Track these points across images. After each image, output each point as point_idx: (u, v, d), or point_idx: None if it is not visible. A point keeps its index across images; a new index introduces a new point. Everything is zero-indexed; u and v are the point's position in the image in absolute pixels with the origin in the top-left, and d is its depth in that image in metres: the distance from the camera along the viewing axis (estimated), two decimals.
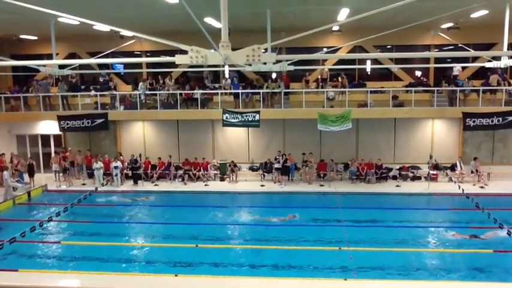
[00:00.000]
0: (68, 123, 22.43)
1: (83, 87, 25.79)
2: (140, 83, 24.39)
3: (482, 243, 14.33)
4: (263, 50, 7.65)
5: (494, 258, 13.12)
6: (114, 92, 24.42)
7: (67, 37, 22.94)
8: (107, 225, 16.68)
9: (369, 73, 25.45)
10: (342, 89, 23.41)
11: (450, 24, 21.48)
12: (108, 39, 21.94)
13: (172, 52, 8.82)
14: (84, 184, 22.68)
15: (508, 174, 21.37)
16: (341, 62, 24.03)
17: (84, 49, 25.34)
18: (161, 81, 25.01)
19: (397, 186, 21.65)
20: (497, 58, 16.13)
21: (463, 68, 24.12)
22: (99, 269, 12.28)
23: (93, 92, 24.47)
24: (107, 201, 20.37)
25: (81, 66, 22.97)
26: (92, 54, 22.14)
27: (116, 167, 22.13)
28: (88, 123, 22.36)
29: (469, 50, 18.63)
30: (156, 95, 23.90)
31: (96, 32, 20.43)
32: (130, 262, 13.50)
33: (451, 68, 23.98)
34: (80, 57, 25.40)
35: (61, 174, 22.94)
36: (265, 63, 14.71)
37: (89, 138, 24.77)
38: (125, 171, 22.88)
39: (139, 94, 23.94)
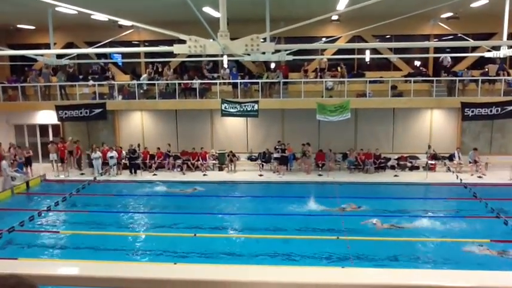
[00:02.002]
0: (66, 113, 22.37)
1: (81, 76, 25.68)
2: (144, 75, 24.30)
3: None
4: (262, 40, 7.62)
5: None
6: (113, 82, 24.32)
7: (65, 26, 22.81)
8: (106, 215, 16.73)
9: (367, 63, 25.36)
10: (341, 79, 23.34)
11: (450, 14, 21.39)
12: (106, 28, 21.81)
13: (171, 42, 8.79)
14: (82, 174, 22.70)
15: (506, 164, 21.40)
16: (340, 51, 23.88)
17: (82, 39, 25.19)
18: (160, 70, 24.86)
19: (395, 176, 21.71)
20: (497, 48, 16.10)
21: (461, 58, 24.00)
22: (98, 258, 12.35)
23: (91, 82, 24.38)
24: (105, 190, 20.40)
25: (79, 56, 22.81)
26: (90, 44, 22.01)
27: (111, 157, 22.14)
28: (86, 113, 22.30)
29: (468, 40, 18.58)
30: (154, 84, 23.82)
31: (94, 21, 20.30)
32: (128, 251, 13.57)
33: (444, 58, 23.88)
34: (77, 47, 25.25)
35: (59, 164, 22.94)
36: (263, 53, 14.63)
37: (87, 128, 24.74)
38: (123, 161, 22.87)
39: (142, 85, 23.86)
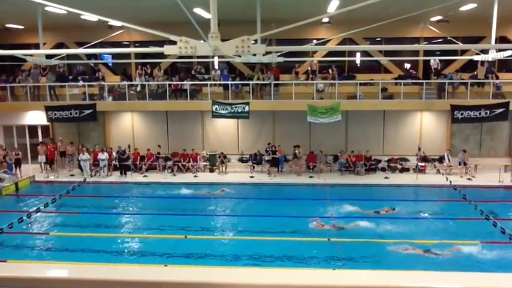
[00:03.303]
0: (55, 114, 22.23)
1: (70, 77, 25.50)
2: (137, 78, 24.20)
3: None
4: (253, 41, 7.63)
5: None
6: (103, 83, 24.18)
7: (55, 26, 22.64)
8: (95, 216, 16.61)
9: (358, 65, 25.48)
10: (332, 81, 23.42)
11: (439, 17, 21.57)
12: (96, 29, 21.71)
13: (161, 43, 8.75)
14: (72, 175, 22.54)
15: (495, 166, 21.62)
16: (331, 54, 24.00)
17: (72, 39, 25.03)
18: (149, 71, 24.74)
19: (386, 178, 21.81)
20: (486, 51, 16.25)
21: (451, 61, 24.21)
22: (88, 260, 12.26)
23: (81, 83, 24.22)
24: (95, 192, 20.28)
25: (69, 57, 22.68)
26: (80, 44, 21.87)
27: (102, 159, 22.01)
28: (76, 113, 22.17)
29: (457, 43, 18.73)
30: (145, 86, 23.71)
31: (84, 21, 20.19)
32: (119, 253, 13.48)
33: (431, 61, 24.08)
34: (67, 47, 25.08)
35: (48, 165, 22.76)
36: (254, 55, 14.65)
37: (77, 129, 24.57)
38: (113, 162, 22.74)
39: (137, 86, 23.74)
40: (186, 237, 14.33)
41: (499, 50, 15.53)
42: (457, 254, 12.91)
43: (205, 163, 23.36)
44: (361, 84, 23.14)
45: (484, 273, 2.06)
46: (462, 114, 20.96)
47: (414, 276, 2.16)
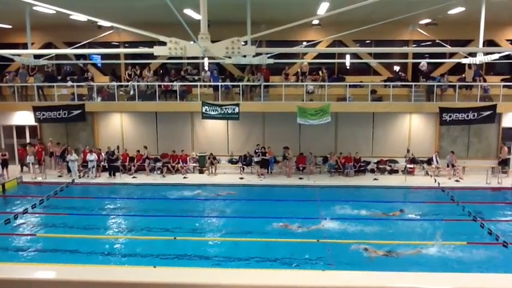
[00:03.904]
0: (44, 114, 22.05)
1: (59, 77, 25.30)
2: (131, 83, 24.05)
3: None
4: (243, 43, 7.63)
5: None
6: (92, 83, 24.02)
7: (43, 26, 22.47)
8: (84, 218, 16.49)
9: (348, 67, 25.60)
10: (321, 83, 23.50)
11: (428, 20, 21.75)
12: (85, 29, 21.56)
13: (151, 43, 8.73)
14: (60, 176, 22.35)
15: (482, 168, 21.84)
16: (320, 56, 24.09)
17: (61, 39, 24.84)
18: (138, 72, 24.61)
19: (375, 179, 21.92)
20: (473, 54, 16.43)
21: (439, 64, 24.41)
22: (75, 262, 12.17)
23: (70, 83, 24.03)
24: (83, 193, 20.15)
25: (57, 57, 22.52)
26: (69, 44, 21.73)
27: (91, 160, 21.85)
28: (65, 114, 22.01)
29: (446, 46, 18.91)
30: (134, 86, 23.61)
31: (73, 21, 20.04)
32: (107, 254, 13.41)
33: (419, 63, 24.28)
34: (56, 47, 24.89)
35: (36, 166, 22.56)
36: (244, 56, 14.66)
37: (66, 129, 24.38)
38: (102, 163, 22.59)
39: (129, 88, 23.60)
40: (175, 238, 14.29)
41: (487, 53, 15.73)
42: (423, 255, 13.07)
43: (194, 164, 23.31)
44: (350, 86, 23.25)
45: (472, 273, 2.08)
46: (450, 116, 21.14)
47: (403, 277, 2.17)
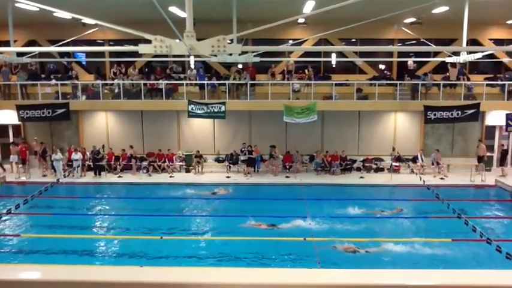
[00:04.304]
0: (27, 113, 21.75)
1: (43, 75, 24.99)
2: (116, 81, 23.82)
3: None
4: (229, 41, 7.60)
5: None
6: (76, 82, 23.76)
7: (26, 24, 22.16)
8: (69, 217, 16.32)
9: (334, 66, 25.69)
10: (308, 82, 23.56)
11: (413, 19, 21.92)
12: (69, 26, 21.31)
13: (136, 41, 8.65)
14: (44, 176, 22.09)
15: (466, 166, 22.10)
16: (307, 54, 24.14)
17: (45, 36, 24.52)
18: (123, 70, 24.38)
19: (361, 177, 22.05)
20: (457, 53, 16.61)
21: (423, 62, 24.63)
22: (61, 262, 12.04)
23: (53, 81, 23.74)
24: (68, 193, 19.95)
25: (41, 55, 22.22)
26: (53, 42, 21.46)
27: (76, 160, 21.62)
28: (49, 113, 21.73)
29: (430, 45, 19.07)
30: (119, 84, 23.40)
31: (57, 19, 19.82)
32: (93, 254, 13.29)
33: (407, 62, 24.51)
34: (39, 45, 24.58)
35: (20, 166, 22.26)
36: (230, 54, 14.62)
37: (50, 128, 24.10)
38: (87, 162, 22.37)
39: (115, 86, 23.38)
40: (161, 238, 14.21)
41: (470, 52, 15.91)
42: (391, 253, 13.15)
43: (181, 163, 23.21)
44: (336, 84, 23.35)
45: (458, 270, 2.09)
46: (435, 114, 21.34)
47: (389, 274, 2.18)
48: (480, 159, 22.18)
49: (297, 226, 15.28)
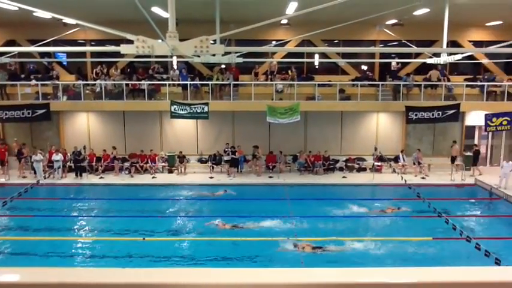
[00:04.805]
0: (6, 114, 21.37)
1: (22, 76, 24.59)
2: (98, 81, 23.52)
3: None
4: (212, 42, 7.59)
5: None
6: (57, 82, 23.43)
7: (5, 23, 21.85)
8: (49, 219, 16.10)
9: (316, 67, 25.84)
10: (291, 82, 23.64)
11: (394, 21, 22.15)
12: (50, 26, 21.03)
13: (118, 41, 8.58)
14: (24, 177, 21.74)
15: (447, 166, 22.41)
16: (290, 55, 24.22)
17: (24, 36, 24.13)
18: (105, 71, 24.12)
19: (344, 177, 22.20)
20: (438, 55, 16.83)
21: (405, 63, 24.91)
22: (41, 264, 11.86)
23: (34, 82, 23.37)
24: (49, 194, 19.68)
25: (20, 55, 21.89)
26: (33, 42, 21.16)
27: (56, 161, 21.33)
28: (29, 113, 21.39)
29: (411, 46, 19.31)
30: (100, 84, 23.14)
31: (37, 18, 19.53)
32: (74, 256, 13.15)
33: (389, 63, 24.77)
34: (19, 45, 24.19)
35: None
36: (214, 55, 14.59)
37: (30, 129, 23.73)
38: (68, 163, 22.08)
39: (97, 86, 23.10)
40: (144, 239, 14.11)
41: (450, 54, 16.15)
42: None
43: (163, 164, 23.08)
44: (319, 85, 23.47)
45: (438, 267, 2.12)
46: (416, 115, 21.60)
47: (370, 272, 2.20)
48: (453, 159, 22.53)
49: (264, 226, 15.33)
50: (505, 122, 20.35)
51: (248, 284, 2.04)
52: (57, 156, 21.40)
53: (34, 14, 16.34)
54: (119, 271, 2.18)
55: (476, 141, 24.21)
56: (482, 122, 21.39)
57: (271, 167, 22.66)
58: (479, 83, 23.87)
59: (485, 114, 20.86)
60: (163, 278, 2.05)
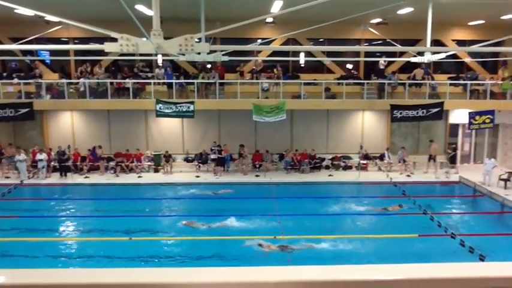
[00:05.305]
0: None
1: (4, 74, 24.21)
2: (81, 80, 23.22)
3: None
4: (197, 40, 7.55)
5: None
6: (40, 80, 23.11)
7: None
8: (34, 220, 15.91)
9: (302, 65, 25.89)
10: (276, 81, 23.65)
11: (379, 20, 22.29)
12: (32, 24, 20.75)
13: (102, 39, 8.48)
14: (8, 177, 21.42)
15: (431, 164, 22.63)
16: (275, 53, 24.23)
17: (6, 34, 23.71)
18: (89, 69, 23.84)
19: (330, 175, 22.30)
20: (422, 53, 16.97)
21: (389, 62, 25.08)
22: (26, 266, 11.69)
23: (16, 80, 23.02)
24: (33, 194, 19.44)
25: (2, 53, 21.51)
26: (15, 40, 20.82)
27: (40, 160, 21.05)
28: (11, 112, 21.07)
29: (396, 45, 19.44)
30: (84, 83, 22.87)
31: (19, 16, 19.22)
32: (59, 257, 13.01)
33: (378, 61, 24.90)
34: (1, 43, 23.79)
35: None
36: (199, 53, 14.52)
37: (13, 129, 23.39)
38: (52, 163, 21.81)
39: (80, 85, 22.81)
40: (130, 239, 14.01)
41: (434, 53, 16.30)
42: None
43: (149, 163, 22.93)
44: (305, 84, 23.51)
45: (424, 264, 2.13)
46: (401, 113, 21.74)
47: (359, 270, 2.21)
48: (431, 158, 22.76)
49: (251, 225, 15.34)
50: (487, 120, 20.62)
51: (236, 283, 2.02)
52: (42, 156, 21.12)
53: (16, 11, 16.09)
54: (109, 271, 2.15)
55: (460, 139, 24.52)
56: (465, 120, 21.64)
57: (257, 166, 22.66)
58: (462, 82, 24.14)
59: (469, 113, 21.10)
60: (148, 278, 2.02)
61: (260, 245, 13.32)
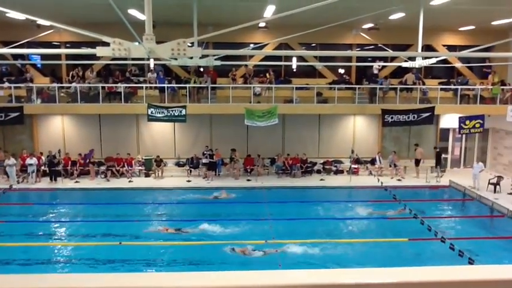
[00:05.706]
0: None
1: None
2: (73, 84, 23.10)
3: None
4: (189, 44, 7.56)
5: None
6: (31, 84, 22.94)
7: None
8: (23, 225, 15.77)
9: (294, 70, 25.97)
10: (268, 85, 23.69)
11: (371, 25, 22.44)
12: (23, 28, 20.62)
13: (94, 44, 8.47)
14: None
15: (422, 168, 22.76)
16: (268, 58, 24.29)
17: None
18: (81, 73, 23.72)
19: (321, 180, 22.35)
20: (413, 58, 17.11)
21: (382, 67, 25.25)
22: (15, 271, 11.57)
23: (6, 84, 22.85)
24: (22, 199, 19.29)
25: None
26: (6, 44, 20.71)
27: (30, 164, 20.88)
28: (1, 117, 20.88)
29: (387, 50, 19.58)
30: (75, 87, 22.77)
31: (10, 19, 19.14)
32: (49, 263, 12.90)
33: (371, 66, 25.07)
34: None
35: None
36: (191, 58, 14.53)
37: (3, 133, 23.20)
38: (42, 168, 21.64)
39: (72, 89, 22.67)
40: (120, 243, 13.94)
41: (425, 58, 16.43)
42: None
43: (140, 168, 22.84)
44: (297, 88, 23.57)
45: (415, 267, 2.16)
46: (392, 118, 21.86)
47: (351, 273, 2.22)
48: (417, 162, 22.89)
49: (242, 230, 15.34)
50: (477, 125, 20.79)
51: (231, 287, 2.03)
52: (31, 160, 20.96)
53: (7, 15, 16.03)
54: (98, 276, 2.15)
55: (450, 144, 24.69)
56: (456, 125, 21.79)
57: (249, 170, 22.65)
58: (452, 87, 24.33)
59: (459, 117, 21.26)
60: (137, 283, 2.03)
61: (233, 249, 13.36)
